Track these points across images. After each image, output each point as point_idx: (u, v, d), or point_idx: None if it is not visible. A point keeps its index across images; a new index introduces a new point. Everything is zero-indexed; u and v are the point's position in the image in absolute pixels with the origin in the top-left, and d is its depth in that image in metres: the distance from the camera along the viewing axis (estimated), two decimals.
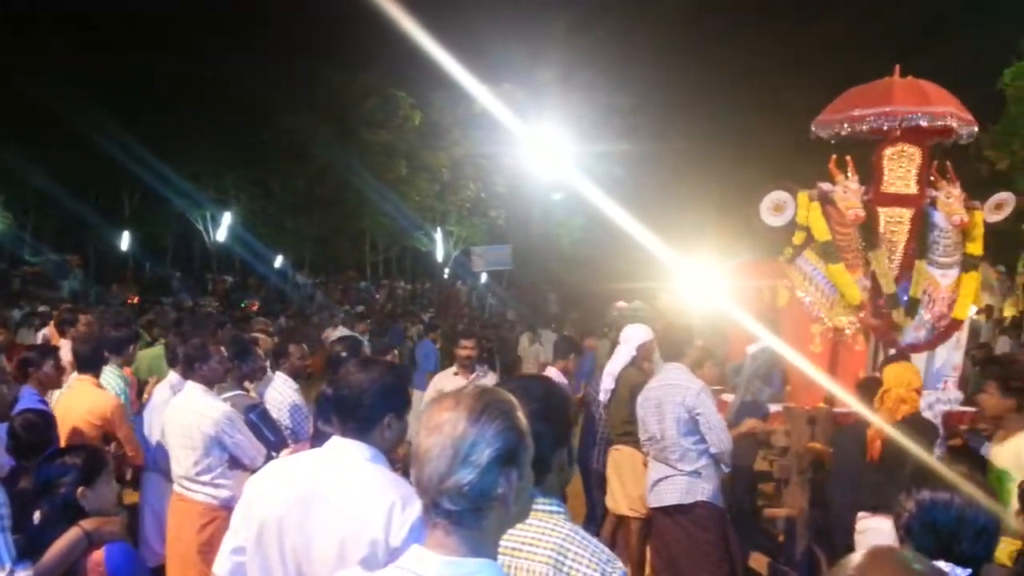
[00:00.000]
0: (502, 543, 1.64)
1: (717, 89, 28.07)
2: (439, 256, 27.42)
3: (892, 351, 6.26)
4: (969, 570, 1.62)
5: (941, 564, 1.61)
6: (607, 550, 1.66)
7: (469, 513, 1.27)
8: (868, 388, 4.89)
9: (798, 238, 6.17)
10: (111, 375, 4.81)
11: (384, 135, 24.21)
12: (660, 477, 4.47)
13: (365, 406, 2.03)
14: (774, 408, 5.62)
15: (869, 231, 6.26)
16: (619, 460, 5.46)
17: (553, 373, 5.83)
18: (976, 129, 6.51)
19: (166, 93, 22.94)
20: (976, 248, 6.36)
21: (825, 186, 6.19)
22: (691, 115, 27.96)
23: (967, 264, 6.27)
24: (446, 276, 29.12)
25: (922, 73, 6.74)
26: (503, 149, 23.80)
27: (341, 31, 23.14)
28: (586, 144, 26.12)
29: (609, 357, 5.91)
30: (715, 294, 7.31)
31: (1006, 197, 6.41)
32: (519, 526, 1.63)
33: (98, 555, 2.43)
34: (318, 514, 1.92)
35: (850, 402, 4.91)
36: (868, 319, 6.13)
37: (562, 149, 24.66)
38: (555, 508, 1.70)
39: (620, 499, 5.38)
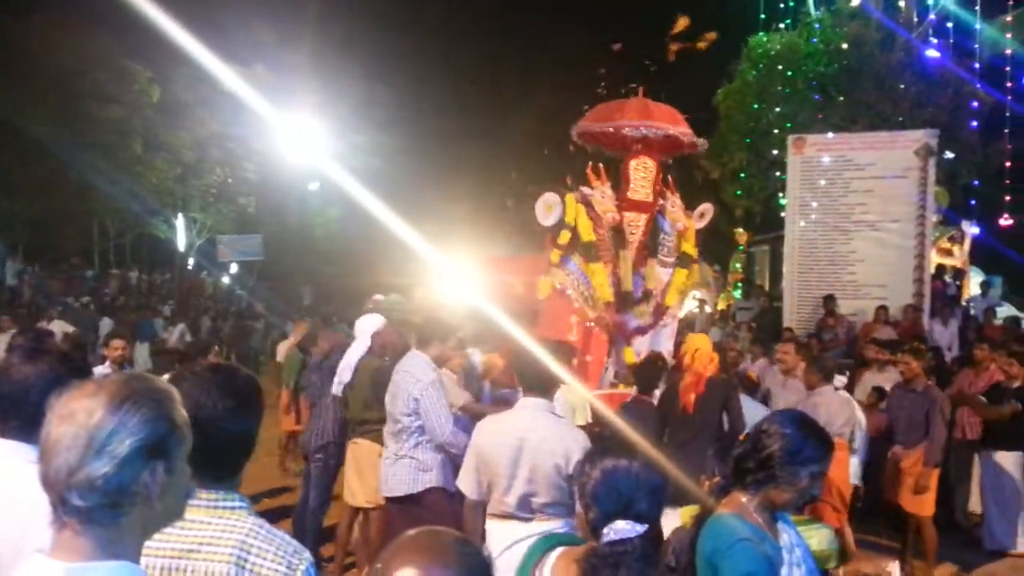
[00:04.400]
0: (174, 545, 1.55)
1: (473, 88, 28.88)
2: (181, 244, 25.48)
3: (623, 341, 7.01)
4: (646, 525, 1.76)
5: (621, 523, 1.75)
6: (294, 541, 1.62)
7: (103, 509, 1.14)
8: (650, 366, 5.74)
9: (563, 237, 6.67)
10: None
11: (116, 110, 21.89)
12: (390, 461, 4.52)
13: (31, 403, 1.79)
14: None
15: (619, 233, 6.99)
16: (357, 454, 5.48)
17: None
18: (699, 146, 7.53)
19: None
20: (690, 248, 7.36)
21: (585, 190, 6.83)
22: (449, 111, 28.50)
23: (682, 261, 7.26)
24: (190, 266, 27.19)
25: (657, 88, 7.53)
26: (254, 133, 22.59)
27: None
28: (344, 134, 25.62)
29: None
30: (468, 288, 7.59)
31: (707, 208, 7.62)
32: (195, 525, 1.55)
33: None
34: None
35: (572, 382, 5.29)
36: (609, 315, 6.78)
37: (318, 137, 23.97)
38: (237, 504, 1.63)
39: (358, 492, 5.44)
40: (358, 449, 5.46)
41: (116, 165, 21.60)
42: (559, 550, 1.89)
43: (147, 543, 1.48)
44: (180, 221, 24.96)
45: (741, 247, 20.31)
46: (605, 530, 1.75)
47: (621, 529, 1.73)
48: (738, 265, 20.17)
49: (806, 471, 2.15)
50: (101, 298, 19.51)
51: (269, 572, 1.55)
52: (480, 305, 6.54)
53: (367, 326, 5.70)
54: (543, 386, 3.15)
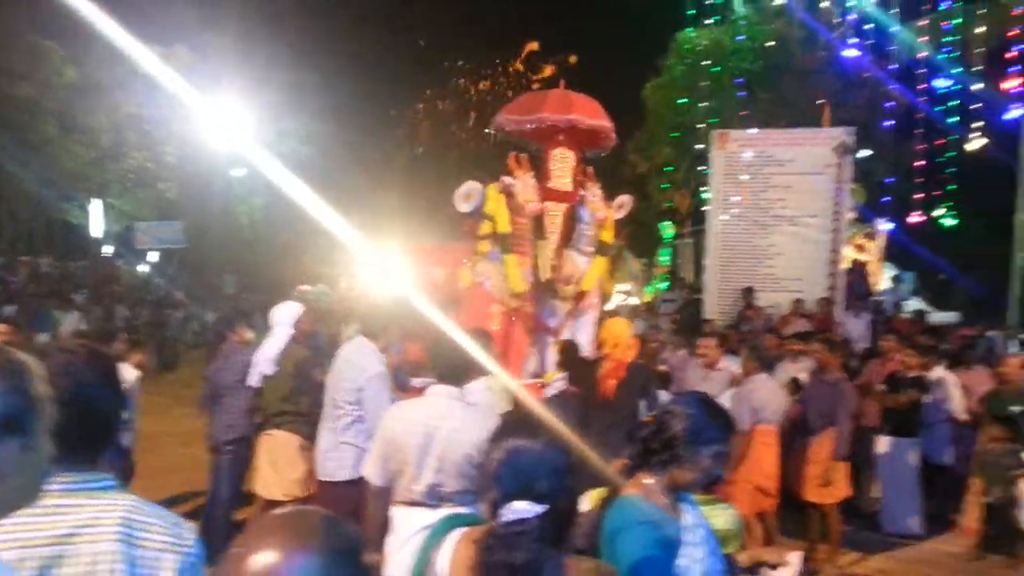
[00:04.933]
0: (48, 533, 1.49)
1: (407, 77, 28.61)
2: (96, 231, 24.49)
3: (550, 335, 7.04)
4: (546, 506, 1.75)
5: (520, 504, 1.74)
6: (170, 512, 1.61)
7: None
8: (568, 352, 5.81)
9: (486, 228, 6.65)
10: None
11: (26, 88, 20.84)
12: (329, 447, 4.54)
13: None
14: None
15: (539, 223, 7.00)
16: (273, 446, 5.40)
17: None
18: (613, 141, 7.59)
19: None
20: (608, 236, 7.43)
21: (507, 180, 6.81)
22: (381, 99, 28.17)
23: (600, 250, 7.33)
24: (111, 254, 26.18)
25: (585, 81, 7.57)
26: (175, 116, 21.83)
27: None
28: (271, 120, 25.00)
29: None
30: (395, 277, 7.53)
31: (625, 199, 7.69)
32: (69, 509, 1.50)
33: None
34: None
35: (500, 374, 5.30)
36: (525, 306, 6.80)
37: (244, 123, 23.32)
38: (108, 483, 1.59)
39: (273, 484, 5.37)
40: (273, 441, 5.36)
41: (27, 147, 20.61)
42: (460, 531, 1.87)
43: (17, 535, 1.42)
44: (96, 206, 23.99)
45: (670, 235, 20.64)
46: (504, 510, 1.74)
47: (520, 509, 1.72)
48: (664, 258, 20.51)
49: (709, 451, 2.18)
50: (8, 286, 18.62)
51: (159, 545, 1.53)
52: (400, 294, 6.49)
53: (284, 315, 5.58)
54: (455, 374, 3.13)
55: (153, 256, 26.88)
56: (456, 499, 2.88)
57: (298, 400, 5.32)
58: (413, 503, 2.96)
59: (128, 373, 6.13)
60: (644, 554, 2.05)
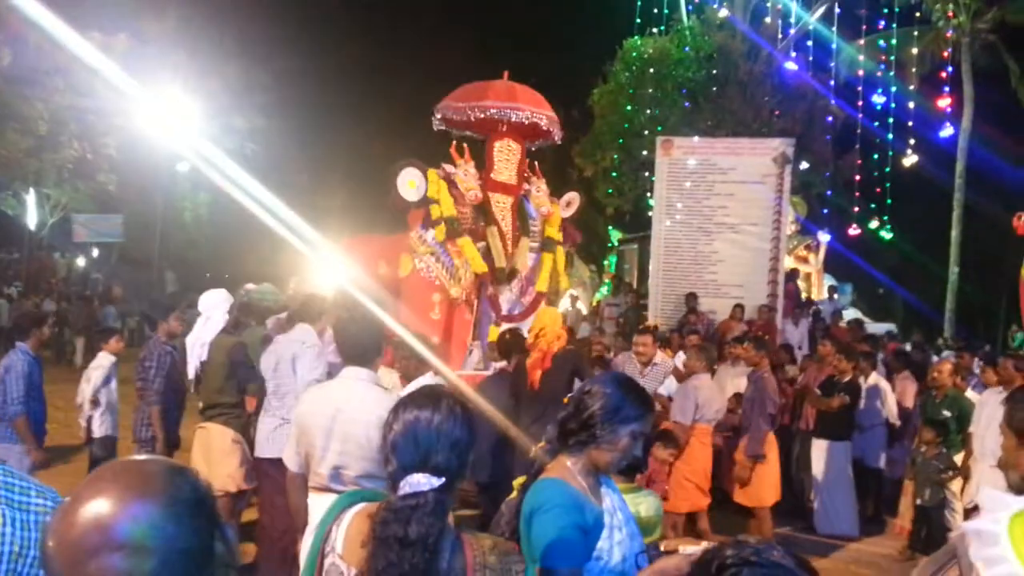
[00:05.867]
0: None
1: (352, 73, 28.40)
2: (31, 222, 23.68)
3: (494, 318, 7.01)
4: (444, 479, 1.73)
5: (417, 476, 1.71)
6: (33, 478, 1.61)
7: None
8: (509, 340, 5.74)
9: (436, 211, 6.59)
10: None
11: None
12: (273, 428, 4.71)
13: None
14: None
15: (484, 212, 6.97)
16: (206, 439, 5.32)
17: None
18: (559, 137, 7.59)
19: None
20: (554, 233, 7.43)
21: (448, 168, 6.76)
22: (330, 96, 27.89)
23: (546, 246, 7.33)
24: (48, 245, 25.34)
25: (534, 83, 7.55)
26: (117, 107, 21.18)
27: None
28: (217, 115, 24.48)
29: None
30: (341, 273, 7.46)
31: (573, 196, 7.69)
32: None
33: None
34: None
35: (440, 367, 5.28)
36: (481, 288, 6.77)
37: (189, 116, 22.78)
38: None
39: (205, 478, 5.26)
40: (207, 435, 5.26)
41: None
42: (358, 506, 1.84)
43: None
44: (31, 197, 23.19)
45: (613, 241, 20.79)
46: (402, 483, 1.72)
47: (416, 483, 1.70)
48: (611, 264, 20.69)
49: (626, 430, 2.16)
50: None
51: (38, 508, 1.54)
52: (338, 288, 6.43)
53: (220, 300, 5.51)
54: (362, 356, 3.08)
55: (94, 250, 26.11)
56: (362, 483, 2.82)
57: (228, 392, 5.23)
58: (322, 488, 2.92)
59: (104, 359, 6.09)
60: (560, 535, 2.03)
